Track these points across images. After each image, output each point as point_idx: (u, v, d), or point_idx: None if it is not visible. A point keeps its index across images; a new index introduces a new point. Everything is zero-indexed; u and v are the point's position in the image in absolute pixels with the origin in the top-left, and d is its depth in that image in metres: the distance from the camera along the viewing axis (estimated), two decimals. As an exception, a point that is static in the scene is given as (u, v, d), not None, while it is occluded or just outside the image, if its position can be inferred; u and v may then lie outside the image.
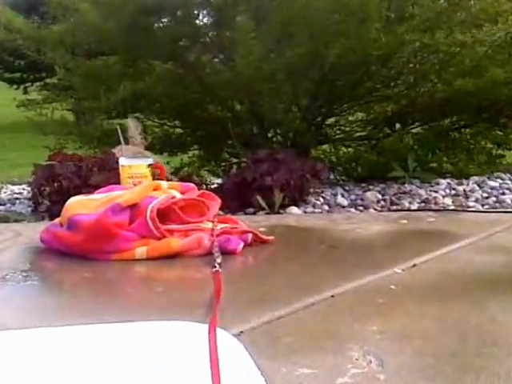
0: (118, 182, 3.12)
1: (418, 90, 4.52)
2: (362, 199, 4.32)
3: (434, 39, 3.98)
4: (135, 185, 3.01)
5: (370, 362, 1.54)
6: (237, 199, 3.90)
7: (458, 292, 2.14)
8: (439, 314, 1.90)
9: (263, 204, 3.85)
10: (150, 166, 3.16)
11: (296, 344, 1.68)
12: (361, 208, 4.15)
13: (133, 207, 2.60)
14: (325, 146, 5.64)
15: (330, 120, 5.38)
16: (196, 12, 5.24)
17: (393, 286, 2.18)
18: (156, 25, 5.19)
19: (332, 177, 5.09)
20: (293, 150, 4.56)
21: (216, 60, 5.37)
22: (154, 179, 3.10)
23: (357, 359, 1.56)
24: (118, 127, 3.65)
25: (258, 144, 4.73)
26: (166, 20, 5.19)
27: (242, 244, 2.68)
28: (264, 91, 4.55)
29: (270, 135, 5.23)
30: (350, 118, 5.52)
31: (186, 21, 5.08)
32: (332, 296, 2.07)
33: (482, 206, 4.08)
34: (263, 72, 4.26)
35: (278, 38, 4.38)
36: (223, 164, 5.48)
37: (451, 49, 4.04)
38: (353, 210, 4.09)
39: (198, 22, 5.30)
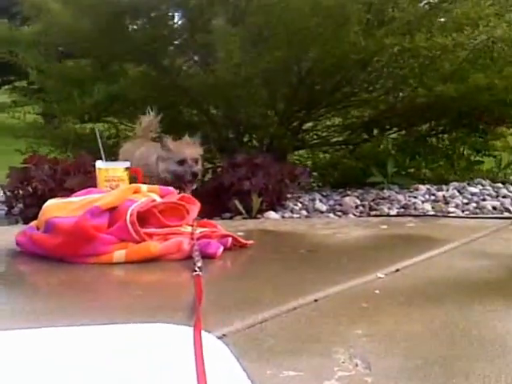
0: (93, 185, 3.11)
1: (396, 94, 4.55)
2: (340, 204, 4.35)
3: (414, 43, 4.01)
4: (112, 188, 3.00)
5: (357, 364, 1.55)
6: (213, 204, 3.89)
7: (442, 296, 2.17)
8: (425, 318, 1.92)
9: (241, 209, 3.86)
10: (127, 169, 3.15)
11: (280, 347, 1.69)
12: (339, 213, 4.18)
13: (112, 210, 2.60)
14: (302, 152, 5.66)
15: (308, 125, 5.40)
16: (171, 14, 5.24)
17: (377, 291, 2.20)
18: (131, 26, 5.17)
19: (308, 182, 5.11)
20: (269, 155, 4.57)
21: (192, 63, 5.37)
22: (131, 183, 3.10)
23: (343, 362, 1.57)
24: (97, 130, 3.66)
25: (233, 149, 4.74)
26: (140, 22, 5.18)
27: (221, 248, 2.69)
28: (241, 95, 4.56)
29: (245, 140, 5.24)
30: (328, 123, 5.55)
31: (160, 23, 5.07)
32: (315, 300, 2.08)
33: (463, 211, 4.14)
34: (240, 76, 4.27)
35: (255, 41, 4.39)
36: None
37: (432, 52, 4.07)
38: (331, 215, 4.12)
39: (173, 23, 5.30)
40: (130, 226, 2.55)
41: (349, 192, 4.73)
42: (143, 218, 2.63)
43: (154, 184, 3.65)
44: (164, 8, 5.08)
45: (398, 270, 2.46)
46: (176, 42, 5.28)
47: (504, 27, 4.08)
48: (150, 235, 2.61)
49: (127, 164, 3.22)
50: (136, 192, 2.76)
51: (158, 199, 2.78)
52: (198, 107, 5.19)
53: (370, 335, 1.77)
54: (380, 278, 2.36)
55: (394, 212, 4.14)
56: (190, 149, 3.88)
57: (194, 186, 3.92)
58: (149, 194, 2.77)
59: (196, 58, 5.24)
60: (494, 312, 1.97)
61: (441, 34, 4.04)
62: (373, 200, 4.47)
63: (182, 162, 3.83)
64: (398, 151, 5.21)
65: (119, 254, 2.54)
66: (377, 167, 4.86)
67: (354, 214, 4.17)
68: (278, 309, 1.96)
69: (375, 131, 5.37)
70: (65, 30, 4.96)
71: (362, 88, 4.88)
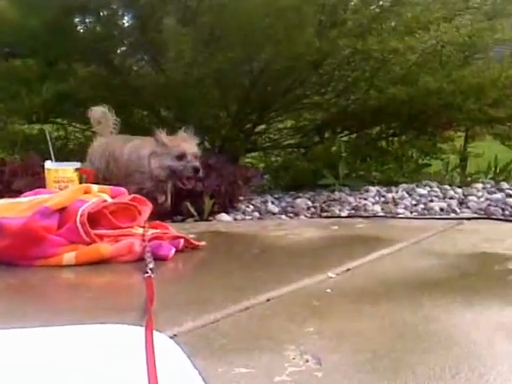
0: (42, 186, 3.09)
1: (348, 97, 4.62)
2: (292, 206, 4.40)
3: (367, 45, 4.08)
4: (61, 189, 2.98)
5: (307, 360, 1.59)
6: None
7: (392, 294, 2.23)
8: (375, 315, 1.98)
9: (192, 211, 3.87)
10: (77, 170, 3.14)
11: (232, 345, 1.72)
12: (291, 215, 4.22)
13: (62, 211, 2.58)
14: (254, 154, 5.70)
15: (260, 127, 5.44)
16: (121, 13, 5.21)
17: (328, 290, 2.25)
18: (80, 25, 5.13)
19: (261, 184, 5.14)
20: (222, 156, 4.59)
21: (143, 63, 5.35)
22: (80, 183, 3.08)
23: (294, 358, 1.61)
24: (47, 131, 3.62)
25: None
26: (90, 20, 5.15)
27: (173, 249, 2.70)
28: (192, 96, 4.57)
29: (197, 142, 5.25)
30: (280, 126, 5.60)
31: (110, 22, 5.05)
32: (268, 300, 2.11)
33: (411, 212, 4.23)
34: (192, 76, 4.28)
35: (207, 41, 4.40)
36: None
37: (383, 55, 4.14)
38: (283, 216, 4.16)
39: (123, 23, 5.27)
40: (80, 228, 2.54)
41: (300, 194, 4.78)
42: (94, 219, 2.62)
43: (145, 182, 3.70)
44: (114, 7, 5.05)
45: (348, 270, 2.51)
46: (126, 42, 5.25)
47: (453, 31, 4.19)
48: (101, 237, 2.61)
49: (77, 165, 3.21)
50: (86, 192, 2.75)
51: (109, 200, 2.77)
52: (149, 108, 5.18)
53: (321, 332, 1.82)
54: (331, 277, 2.41)
55: (344, 213, 4.21)
56: (188, 143, 3.77)
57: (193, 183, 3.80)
58: (99, 195, 2.76)
59: (147, 57, 5.23)
60: (441, 308, 2.04)
61: (392, 37, 4.13)
62: (324, 202, 4.53)
63: (180, 157, 3.70)
64: (349, 154, 5.28)
65: (69, 256, 2.52)
66: (328, 169, 4.93)
67: (306, 216, 4.22)
68: (230, 308, 1.99)
69: (327, 134, 5.44)
70: (11, 29, 4.90)
71: (313, 90, 4.93)
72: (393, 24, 4.27)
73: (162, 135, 3.73)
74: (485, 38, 4.34)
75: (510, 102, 4.74)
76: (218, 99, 4.81)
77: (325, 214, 4.22)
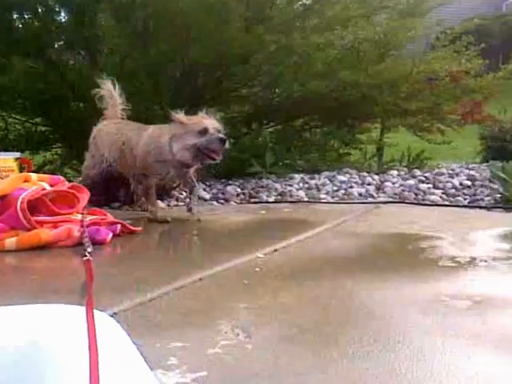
0: (-19, 175, 3.00)
1: (273, 90, 4.63)
2: (223, 193, 4.41)
3: (290, 41, 4.11)
4: (2, 178, 2.90)
5: (238, 334, 1.61)
6: (102, 194, 3.84)
7: (316, 272, 2.27)
8: (300, 291, 2.01)
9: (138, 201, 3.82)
10: (17, 159, 3.06)
11: (168, 322, 1.72)
12: (222, 201, 4.23)
13: (2, 199, 2.52)
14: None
15: None
16: (57, 9, 5.08)
17: (257, 269, 2.27)
18: (18, 21, 4.98)
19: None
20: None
21: (80, 57, 5.24)
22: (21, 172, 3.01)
23: (226, 332, 1.62)
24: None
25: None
26: (28, 16, 5.00)
27: (111, 234, 2.67)
28: (126, 89, 4.50)
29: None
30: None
31: (47, 17, 4.92)
32: (200, 279, 2.12)
33: (333, 197, 4.30)
34: (126, 69, 4.22)
35: (140, 35, 4.34)
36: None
37: (306, 51, 4.17)
38: (215, 203, 4.17)
39: (60, 19, 5.14)
40: (20, 214, 2.48)
41: (231, 182, 4.80)
42: (34, 206, 2.57)
43: (168, 170, 3.34)
44: (51, 3, 4.92)
45: (276, 250, 2.54)
46: (63, 37, 5.12)
47: (369, 29, 4.26)
48: (41, 223, 2.56)
49: (17, 154, 3.13)
50: (26, 181, 2.69)
51: (48, 188, 2.72)
52: (85, 101, 5.07)
53: (251, 308, 1.84)
54: (260, 257, 2.43)
55: (271, 199, 4.24)
56: (208, 119, 3.35)
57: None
58: (39, 183, 2.71)
59: (83, 52, 5.12)
60: (360, 284, 2.09)
61: (314, 33, 4.17)
62: (253, 188, 4.56)
63: (203, 133, 3.25)
64: (275, 144, 5.33)
65: (10, 242, 2.47)
66: (256, 159, 4.96)
67: (236, 202, 4.24)
68: (165, 288, 1.99)
69: (254, 125, 5.46)
70: None
71: (242, 84, 4.94)
72: (315, 21, 4.30)
73: (179, 115, 3.30)
74: (399, 36, 4.43)
75: (421, 96, 4.86)
76: (151, 92, 4.76)
77: (253, 200, 4.25)
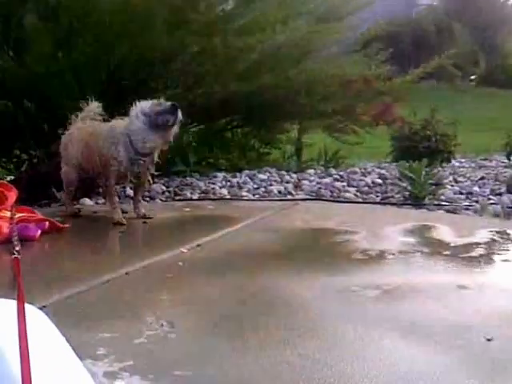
0: None
1: (196, 91, 4.62)
2: (148, 191, 4.40)
3: (212, 44, 4.11)
4: None
5: (162, 325, 1.66)
6: (31, 193, 3.76)
7: (237, 266, 2.33)
8: (221, 284, 2.07)
9: (58, 196, 3.78)
10: None
11: (96, 314, 1.75)
12: (148, 199, 4.23)
13: None
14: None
15: None
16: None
17: (180, 263, 2.31)
18: None
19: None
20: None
21: (7, 56, 5.09)
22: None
23: (151, 323, 1.67)
24: None
25: (49, 140, 4.59)
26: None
27: (39, 231, 2.65)
28: (53, 88, 4.43)
29: (60, 132, 5.09)
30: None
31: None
32: (126, 273, 2.15)
33: (254, 195, 4.37)
34: (52, 69, 4.15)
35: (66, 35, 4.27)
36: (14, 160, 5.23)
37: (227, 54, 4.19)
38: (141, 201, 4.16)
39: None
40: (-52, 212, 2.43)
41: (156, 180, 4.79)
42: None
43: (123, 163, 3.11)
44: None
45: (199, 245, 2.58)
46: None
47: (288, 34, 4.33)
48: (-30, 220, 2.51)
49: None
50: (-49, 180, 2.64)
51: (-26, 186, 2.67)
52: (12, 99, 4.93)
53: (174, 300, 1.89)
54: (183, 252, 2.48)
55: (195, 196, 4.28)
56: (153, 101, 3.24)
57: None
58: (-36, 182, 2.65)
59: (11, 52, 4.98)
60: (279, 276, 2.17)
61: (235, 37, 4.20)
62: (177, 186, 4.58)
63: (155, 105, 3.18)
64: (199, 143, 5.35)
65: None
66: (180, 158, 4.97)
67: (161, 199, 4.25)
68: (93, 282, 2.01)
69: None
70: None
71: (165, 85, 4.92)
72: (235, 26, 4.34)
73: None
74: (315, 41, 4.51)
75: (336, 98, 4.98)
76: (78, 92, 4.69)
77: (178, 198, 4.27)
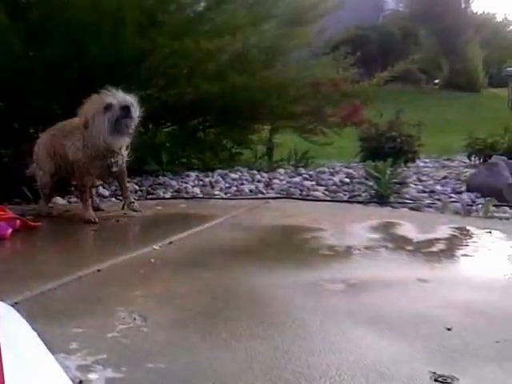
0: None
1: (169, 91, 4.59)
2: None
3: (184, 46, 4.05)
4: None
5: (135, 319, 1.66)
6: (1, 191, 3.71)
7: (208, 262, 2.33)
8: (192, 280, 2.07)
9: (29, 195, 3.73)
10: None
11: (68, 310, 1.74)
12: (120, 198, 4.20)
13: None
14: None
15: None
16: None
17: (152, 260, 2.31)
18: None
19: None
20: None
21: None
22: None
23: (124, 318, 1.66)
24: None
25: (20, 139, 4.53)
26: None
27: (10, 229, 2.62)
28: (24, 87, 4.36)
29: (31, 131, 5.02)
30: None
31: None
32: (98, 270, 2.13)
33: (225, 194, 4.37)
34: (22, 68, 4.08)
35: (37, 34, 4.19)
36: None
37: (198, 55, 4.18)
38: (113, 199, 4.13)
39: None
40: None
41: (129, 179, 4.76)
42: None
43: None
44: None
45: (171, 243, 2.58)
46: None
47: (257, 36, 4.33)
48: None
49: None
50: None
51: None
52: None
53: (147, 296, 1.88)
54: (155, 249, 2.47)
55: (168, 195, 4.26)
56: (111, 95, 3.03)
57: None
58: None
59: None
60: (249, 272, 2.18)
61: (206, 39, 4.14)
62: (150, 185, 4.56)
63: (108, 108, 2.99)
64: (171, 143, 5.33)
65: None
66: (153, 157, 4.95)
67: (134, 198, 4.22)
68: (66, 278, 2.00)
69: (151, 125, 5.43)
70: None
71: (138, 85, 4.88)
72: (206, 28, 4.31)
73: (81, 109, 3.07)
74: (284, 44, 4.52)
75: (305, 100, 5.02)
76: (49, 91, 4.62)
77: (150, 197, 4.25)
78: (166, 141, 5.24)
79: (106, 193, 4.23)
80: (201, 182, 4.67)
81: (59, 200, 3.76)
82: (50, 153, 3.24)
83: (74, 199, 3.86)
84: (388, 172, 4.11)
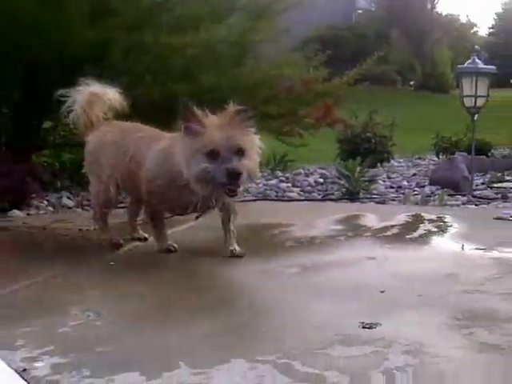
0: None
1: (134, 91, 4.36)
2: (88, 200, 4.34)
3: (142, 39, 3.82)
4: None
5: (89, 316, 1.65)
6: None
7: (175, 263, 2.37)
8: (152, 279, 2.10)
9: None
10: None
11: (16, 312, 1.75)
12: (87, 207, 4.18)
13: None
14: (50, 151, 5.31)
15: (50, 124, 4.81)
16: None
17: (112, 263, 2.33)
18: None
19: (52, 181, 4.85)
20: (10, 153, 4.02)
21: None
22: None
23: (76, 315, 1.68)
24: None
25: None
26: None
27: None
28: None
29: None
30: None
31: None
32: (54, 272, 2.17)
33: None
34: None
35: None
36: None
37: (159, 50, 3.94)
38: (79, 210, 4.12)
39: None
40: None
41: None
42: None
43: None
44: None
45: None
46: None
47: (223, 30, 4.25)
48: None
49: None
50: None
51: None
52: None
53: (104, 296, 1.89)
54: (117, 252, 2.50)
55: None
56: (225, 129, 2.21)
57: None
58: None
59: None
60: (220, 265, 2.31)
61: (165, 32, 3.95)
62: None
63: (212, 156, 2.17)
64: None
65: None
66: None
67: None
68: (25, 282, 2.03)
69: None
70: None
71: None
72: (165, 19, 4.07)
73: (190, 121, 2.22)
74: (250, 38, 4.43)
75: (278, 101, 5.02)
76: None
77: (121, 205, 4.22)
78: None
79: (71, 203, 4.20)
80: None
81: (16, 212, 3.64)
82: None
83: (33, 211, 3.80)
84: (357, 170, 4.35)
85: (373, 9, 22.55)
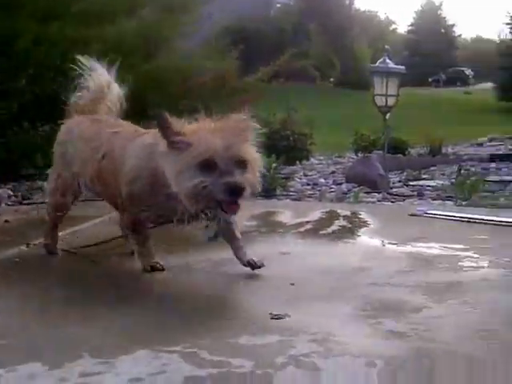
0: None
1: (42, 84, 4.26)
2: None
3: (49, 31, 3.74)
4: None
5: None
6: None
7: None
8: (66, 273, 2.17)
9: None
10: None
11: None
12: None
13: None
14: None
15: None
16: None
17: (17, 259, 2.32)
18: None
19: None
20: None
21: None
22: None
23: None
24: None
25: None
26: None
27: None
28: None
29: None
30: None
31: None
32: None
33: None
34: None
35: None
36: None
37: (67, 43, 3.81)
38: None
39: None
40: None
41: (2, 185, 4.63)
42: None
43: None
44: None
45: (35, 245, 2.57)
46: None
47: (135, 24, 4.20)
48: None
49: None
50: None
51: None
52: None
53: (8, 297, 1.89)
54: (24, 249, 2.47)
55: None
56: (225, 132, 1.93)
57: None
58: None
59: None
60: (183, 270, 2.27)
61: (74, 25, 3.86)
62: (26, 190, 4.47)
63: (207, 167, 1.89)
64: (48, 143, 5.15)
65: None
66: (28, 160, 4.78)
67: (8, 204, 4.13)
68: None
69: (25, 124, 5.14)
70: None
71: (5, 76, 4.26)
72: (75, 9, 4.00)
73: (173, 123, 1.95)
74: (163, 31, 4.39)
75: (191, 95, 5.01)
76: None
77: (26, 202, 4.17)
78: (42, 142, 5.06)
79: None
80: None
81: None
82: None
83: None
84: (273, 167, 4.48)
85: (291, 3, 22.84)
